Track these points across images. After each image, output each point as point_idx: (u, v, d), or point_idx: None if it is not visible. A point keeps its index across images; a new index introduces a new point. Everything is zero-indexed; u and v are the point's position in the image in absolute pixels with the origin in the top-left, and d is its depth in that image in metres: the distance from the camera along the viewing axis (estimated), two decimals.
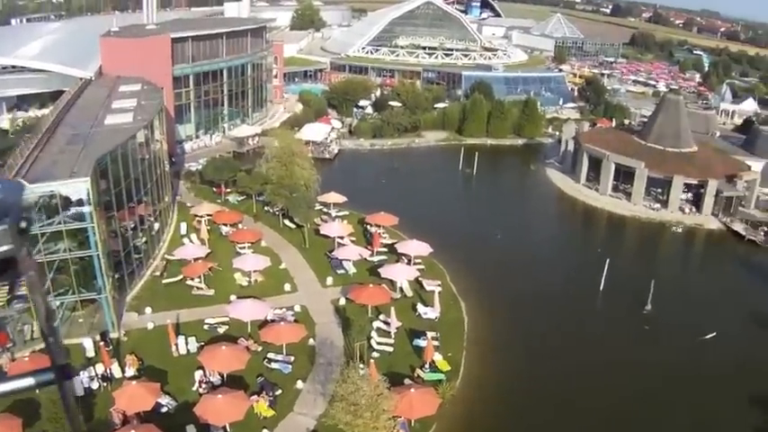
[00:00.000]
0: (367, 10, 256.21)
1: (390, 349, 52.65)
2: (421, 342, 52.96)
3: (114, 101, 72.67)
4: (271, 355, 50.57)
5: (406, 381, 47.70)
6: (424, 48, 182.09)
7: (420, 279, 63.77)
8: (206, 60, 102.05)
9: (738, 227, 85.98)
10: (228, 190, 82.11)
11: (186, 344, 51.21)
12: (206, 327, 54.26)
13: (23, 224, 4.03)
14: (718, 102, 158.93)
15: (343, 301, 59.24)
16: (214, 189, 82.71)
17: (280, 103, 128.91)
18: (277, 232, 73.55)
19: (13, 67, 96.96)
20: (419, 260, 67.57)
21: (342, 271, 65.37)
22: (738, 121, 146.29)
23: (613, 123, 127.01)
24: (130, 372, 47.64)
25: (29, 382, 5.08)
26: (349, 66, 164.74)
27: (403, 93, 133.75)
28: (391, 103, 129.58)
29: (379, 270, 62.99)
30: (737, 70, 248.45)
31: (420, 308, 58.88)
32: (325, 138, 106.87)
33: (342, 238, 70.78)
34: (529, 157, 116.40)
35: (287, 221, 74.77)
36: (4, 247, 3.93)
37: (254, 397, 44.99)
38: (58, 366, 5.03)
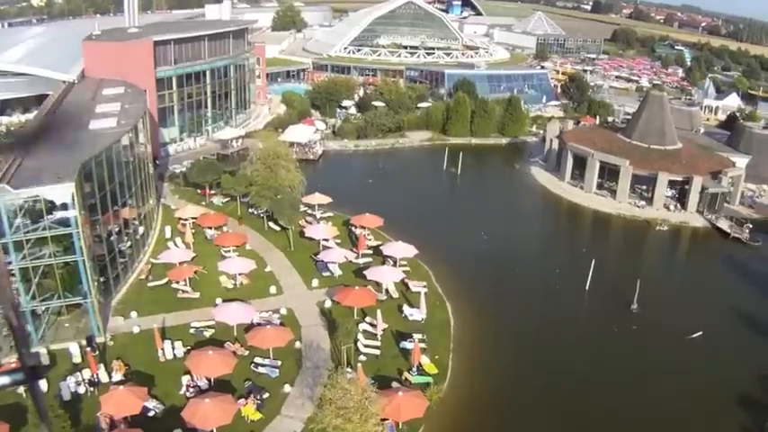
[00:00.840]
0: (348, 10, 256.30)
1: (377, 352, 52.67)
2: (408, 345, 53.03)
3: (98, 105, 72.46)
4: (258, 360, 50.52)
5: (394, 384, 47.68)
6: (406, 47, 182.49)
7: (406, 281, 63.77)
8: (188, 62, 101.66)
9: (724, 224, 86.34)
10: (213, 192, 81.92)
11: (173, 348, 51.12)
12: (192, 331, 54.17)
13: None
14: (701, 97, 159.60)
15: (328, 304, 59.26)
16: (198, 191, 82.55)
17: (263, 105, 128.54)
18: (262, 235, 73.38)
19: None
20: (404, 262, 67.64)
21: (327, 273, 65.35)
22: (722, 116, 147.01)
23: (597, 121, 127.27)
24: (117, 376, 47.59)
25: (3, 381, 5.23)
26: (331, 66, 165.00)
27: (386, 92, 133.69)
28: (375, 103, 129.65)
29: (365, 272, 62.93)
30: (720, 65, 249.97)
31: (406, 309, 58.93)
32: (309, 139, 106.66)
33: (327, 240, 70.78)
34: (513, 156, 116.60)
35: (271, 224, 74.59)
36: None
37: (242, 401, 45.01)
38: (28, 367, 5.18)
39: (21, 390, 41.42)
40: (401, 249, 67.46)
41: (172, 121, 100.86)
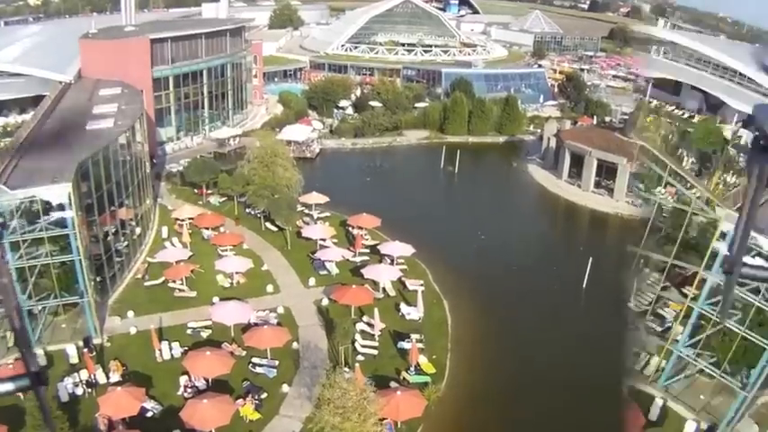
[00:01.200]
0: (345, 9, 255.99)
1: (375, 352, 52.61)
2: (405, 344, 52.97)
3: (95, 105, 72.41)
4: (255, 360, 50.48)
5: (392, 383, 47.73)
6: (403, 44, 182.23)
7: (403, 279, 63.72)
8: (186, 61, 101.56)
9: None
10: (210, 191, 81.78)
11: (170, 349, 51.09)
12: (189, 331, 54.08)
13: None
14: None
15: (326, 302, 59.25)
16: (195, 191, 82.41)
17: (260, 105, 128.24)
18: (259, 235, 73.30)
19: None
20: (401, 260, 67.58)
21: (324, 272, 65.33)
22: None
23: (594, 121, 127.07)
24: (115, 377, 47.59)
25: (8, 387, 5.18)
26: (328, 64, 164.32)
27: (383, 92, 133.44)
28: (372, 103, 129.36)
29: (362, 271, 62.98)
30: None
31: (403, 308, 58.88)
32: (307, 137, 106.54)
33: (324, 240, 70.70)
34: (510, 154, 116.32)
35: (268, 224, 74.51)
36: None
37: (240, 401, 45.01)
38: (33, 373, 5.13)
39: None
40: (398, 248, 67.42)
41: (169, 121, 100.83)
